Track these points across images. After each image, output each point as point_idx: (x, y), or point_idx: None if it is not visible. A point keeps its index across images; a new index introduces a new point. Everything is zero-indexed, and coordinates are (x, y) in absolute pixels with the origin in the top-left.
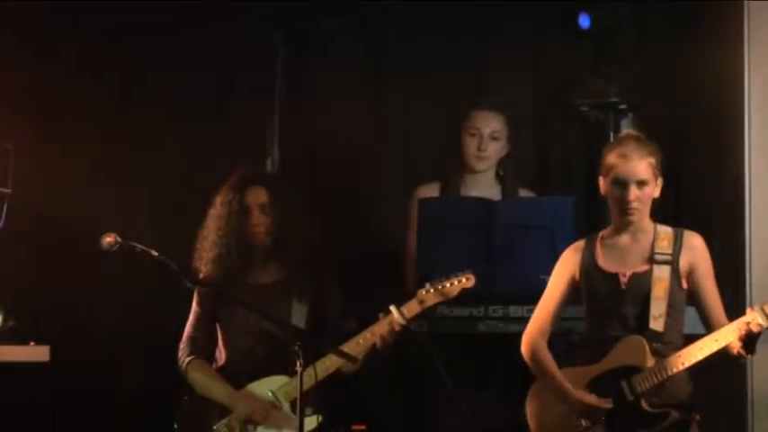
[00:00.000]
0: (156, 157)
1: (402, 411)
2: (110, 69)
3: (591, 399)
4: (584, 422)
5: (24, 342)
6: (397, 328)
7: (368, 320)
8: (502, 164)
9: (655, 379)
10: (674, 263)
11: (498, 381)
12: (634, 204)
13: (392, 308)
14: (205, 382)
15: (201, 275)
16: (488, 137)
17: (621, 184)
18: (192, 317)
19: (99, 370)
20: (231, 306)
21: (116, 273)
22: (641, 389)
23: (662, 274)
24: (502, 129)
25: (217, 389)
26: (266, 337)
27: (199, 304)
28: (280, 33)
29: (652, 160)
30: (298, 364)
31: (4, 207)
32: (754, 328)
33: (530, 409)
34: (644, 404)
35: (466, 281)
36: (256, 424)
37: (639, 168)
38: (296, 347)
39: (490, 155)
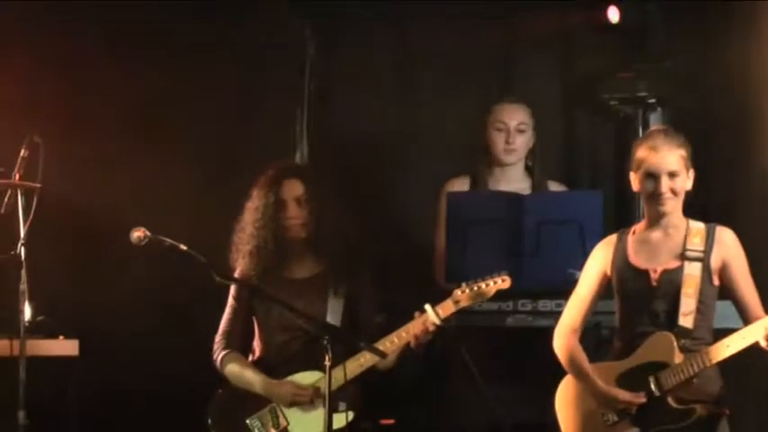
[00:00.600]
0: (188, 151)
1: (431, 406)
2: (142, 66)
3: (625, 395)
4: (611, 417)
5: (54, 336)
6: (431, 327)
7: (395, 315)
8: (529, 155)
9: (682, 375)
10: (705, 260)
11: (527, 375)
12: (667, 195)
13: (427, 307)
14: (242, 373)
15: (238, 268)
16: (515, 129)
17: (653, 176)
18: (227, 311)
19: (128, 363)
20: (266, 300)
21: (146, 267)
22: (668, 385)
23: (693, 270)
24: (528, 120)
25: (254, 379)
26: (301, 332)
27: (235, 299)
28: (309, 28)
29: (683, 152)
30: (326, 359)
31: (34, 201)
32: None
33: (559, 403)
34: (670, 400)
35: (502, 282)
36: (292, 418)
37: (670, 160)
38: (326, 343)
39: (518, 147)
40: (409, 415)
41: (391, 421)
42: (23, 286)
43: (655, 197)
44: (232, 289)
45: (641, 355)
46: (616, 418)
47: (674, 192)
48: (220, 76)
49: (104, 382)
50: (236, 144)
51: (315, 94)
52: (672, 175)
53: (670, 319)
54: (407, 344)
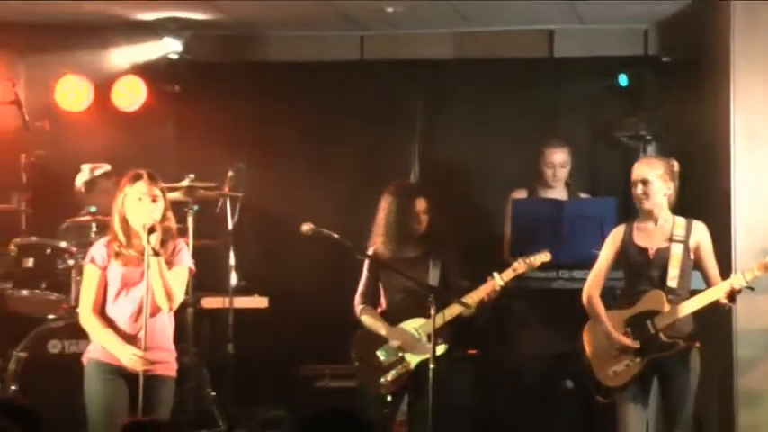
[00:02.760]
0: (341, 172)
1: (500, 341)
2: (312, 117)
3: (624, 340)
4: (619, 350)
5: (250, 294)
6: (497, 288)
7: (476, 279)
8: (567, 176)
9: (669, 319)
10: (685, 242)
11: (563, 319)
12: (642, 197)
13: (495, 274)
14: (372, 321)
15: (372, 249)
16: (559, 166)
17: (635, 184)
18: (363, 278)
19: (304, 315)
20: (388, 271)
21: (312, 249)
22: (660, 326)
23: (677, 250)
24: (567, 158)
25: (380, 326)
26: (411, 291)
27: (368, 270)
28: (420, 90)
29: (657, 171)
30: (432, 310)
31: (238, 206)
32: (736, 287)
33: (585, 338)
34: (662, 336)
35: (545, 256)
36: (405, 350)
37: (647, 172)
38: (430, 299)
39: (561, 178)
40: (486, 347)
41: (474, 351)
42: (231, 262)
43: (635, 198)
44: (366, 263)
45: (641, 305)
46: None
47: (645, 195)
48: (362, 123)
49: (285, 325)
50: (372, 167)
51: (423, 134)
52: (645, 182)
53: (661, 281)
54: (483, 299)
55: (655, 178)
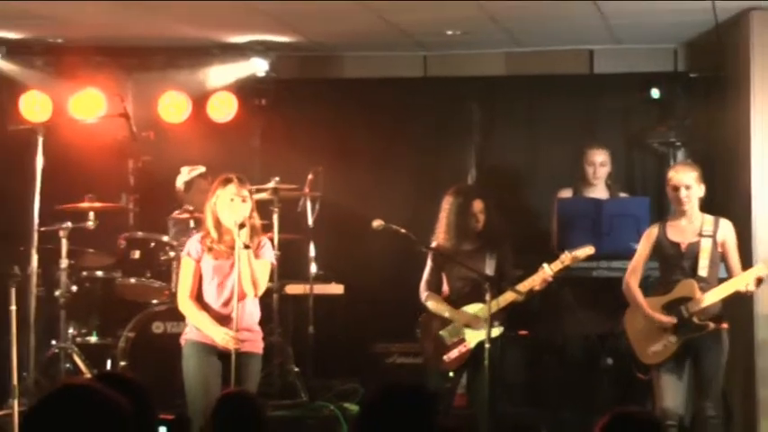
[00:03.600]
0: (408, 176)
1: (548, 323)
2: (382, 128)
3: (661, 318)
4: (659, 330)
5: (328, 282)
6: (547, 278)
7: (528, 270)
8: (608, 177)
9: (701, 304)
10: (713, 237)
11: (604, 304)
12: (684, 200)
13: (544, 265)
14: (436, 306)
15: (435, 243)
16: (599, 165)
17: (677, 188)
18: (427, 268)
19: (375, 300)
20: (450, 262)
21: (382, 242)
22: (693, 310)
23: (706, 243)
24: (606, 159)
25: (444, 309)
26: (470, 280)
27: (432, 261)
28: (475, 103)
29: (694, 174)
30: (488, 297)
31: (317, 204)
32: (762, 275)
33: (626, 322)
34: (695, 319)
35: (589, 250)
36: (468, 330)
37: (687, 178)
38: (486, 287)
39: (601, 176)
40: (536, 329)
41: (526, 332)
42: (311, 253)
43: (678, 201)
44: (429, 255)
45: (676, 293)
46: (661, 331)
47: (689, 197)
48: (425, 132)
49: (358, 309)
50: (434, 171)
51: (479, 142)
52: (687, 187)
53: (692, 272)
54: (533, 287)
55: (694, 183)
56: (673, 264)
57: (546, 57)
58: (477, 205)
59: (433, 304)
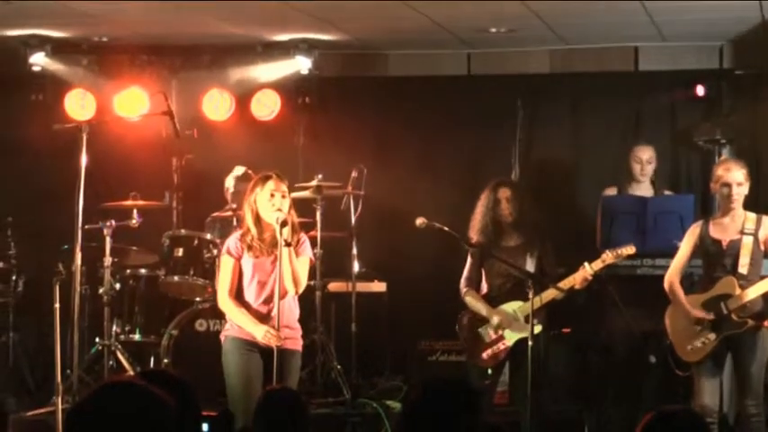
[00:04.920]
0: (450, 170)
1: (592, 320)
2: (425, 127)
3: (701, 314)
4: (698, 327)
5: (371, 280)
6: (587, 276)
7: (570, 267)
8: (653, 175)
9: (740, 301)
10: (755, 234)
11: (648, 301)
12: (735, 197)
13: (585, 264)
14: (474, 303)
15: (473, 239)
16: (646, 162)
17: (728, 185)
18: (467, 265)
19: (417, 297)
20: (490, 258)
21: (424, 240)
22: (732, 307)
23: (747, 241)
24: (653, 156)
25: (480, 307)
26: (510, 277)
27: (472, 258)
28: (520, 101)
29: (744, 171)
30: (530, 294)
31: (360, 202)
32: None
33: (667, 320)
34: (733, 316)
35: (630, 249)
36: (505, 328)
37: (738, 176)
38: (528, 284)
39: (647, 173)
40: (580, 326)
41: (568, 330)
42: (354, 251)
43: (729, 199)
44: (470, 252)
45: (716, 290)
46: (700, 328)
47: (739, 195)
48: (469, 130)
49: (401, 307)
50: (477, 168)
51: (523, 139)
52: (739, 185)
53: (733, 268)
54: (574, 285)
55: (744, 181)
56: (714, 261)
57: (591, 54)
58: (503, 192)
59: (471, 301)
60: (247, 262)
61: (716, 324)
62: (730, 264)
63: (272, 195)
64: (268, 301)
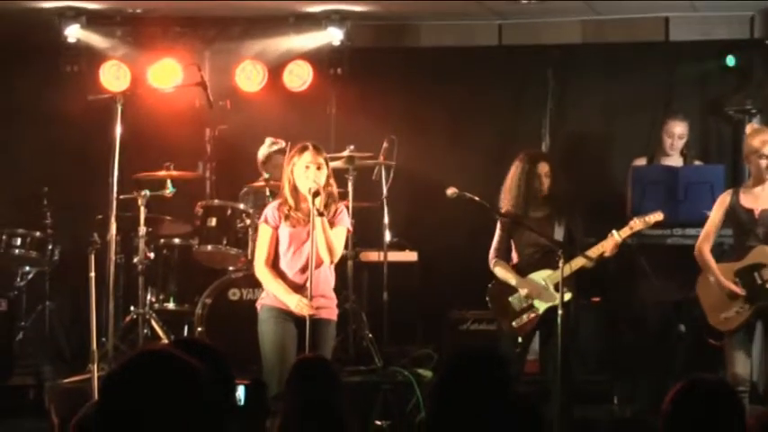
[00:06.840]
0: (481, 140)
1: (623, 290)
2: (455, 91)
3: (732, 287)
4: (732, 296)
5: (403, 249)
6: (617, 243)
7: (599, 236)
8: (684, 145)
9: None
10: None
11: (678, 271)
12: None
13: (614, 231)
14: (503, 273)
15: (503, 210)
16: (678, 137)
17: (764, 156)
18: (497, 235)
19: (449, 267)
20: (520, 228)
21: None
22: (766, 277)
23: None
24: (685, 130)
25: (510, 277)
26: (540, 247)
27: (501, 229)
28: (550, 70)
29: None
30: (560, 263)
31: (391, 172)
32: None
33: (698, 288)
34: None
35: (657, 216)
36: (534, 298)
37: None
38: (558, 252)
39: (677, 148)
40: (611, 296)
41: (598, 299)
42: (386, 221)
43: (764, 169)
44: (499, 222)
45: (749, 259)
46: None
47: None
48: (500, 100)
49: (432, 276)
50: (508, 138)
51: (554, 110)
52: None
53: (765, 238)
54: (603, 253)
55: None
56: (746, 230)
57: (622, 24)
58: (543, 168)
59: (500, 271)
60: (284, 231)
61: (750, 294)
62: (763, 233)
63: (307, 167)
64: (304, 270)
